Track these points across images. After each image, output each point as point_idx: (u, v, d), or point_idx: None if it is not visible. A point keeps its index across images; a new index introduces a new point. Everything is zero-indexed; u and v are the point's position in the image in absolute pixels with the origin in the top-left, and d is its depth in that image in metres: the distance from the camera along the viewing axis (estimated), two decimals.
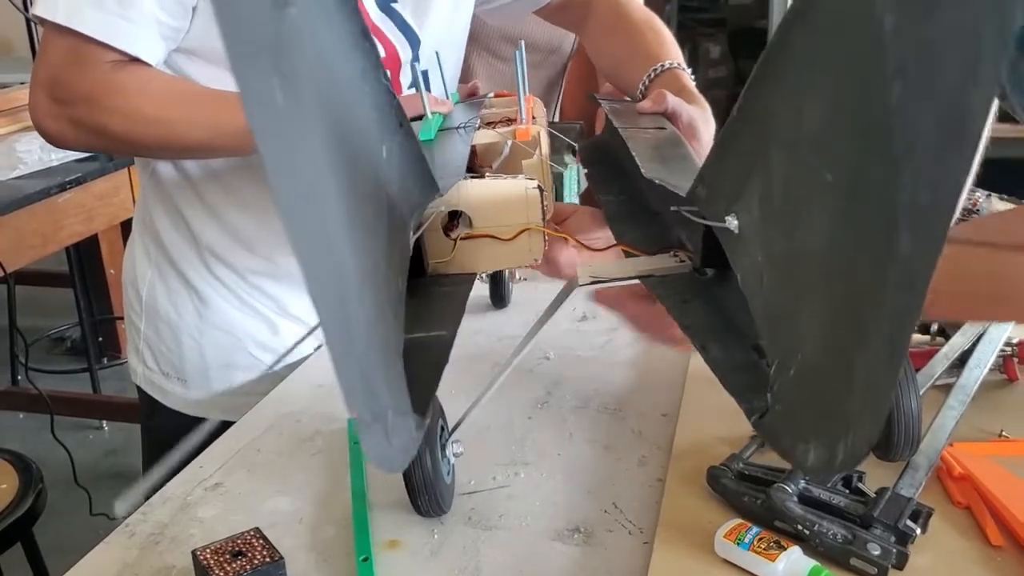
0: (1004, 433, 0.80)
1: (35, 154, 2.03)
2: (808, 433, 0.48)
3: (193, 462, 0.83)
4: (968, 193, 1.20)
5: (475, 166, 0.86)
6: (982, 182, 1.05)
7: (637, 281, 0.75)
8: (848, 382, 0.43)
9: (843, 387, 0.43)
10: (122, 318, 2.86)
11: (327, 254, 0.40)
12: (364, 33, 0.51)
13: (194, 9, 0.89)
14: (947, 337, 0.91)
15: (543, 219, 0.77)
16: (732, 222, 0.56)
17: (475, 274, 0.78)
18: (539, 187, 0.75)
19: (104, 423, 2.83)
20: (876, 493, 0.67)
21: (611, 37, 1.10)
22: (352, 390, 0.41)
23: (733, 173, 0.57)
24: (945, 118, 0.34)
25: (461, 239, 0.76)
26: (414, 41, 1.02)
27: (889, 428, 0.71)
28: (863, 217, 0.41)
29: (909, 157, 0.36)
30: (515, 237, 0.76)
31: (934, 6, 0.34)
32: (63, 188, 2.07)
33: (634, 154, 0.80)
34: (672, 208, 0.69)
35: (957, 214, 0.79)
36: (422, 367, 0.61)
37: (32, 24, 2.41)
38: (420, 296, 0.74)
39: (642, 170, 0.78)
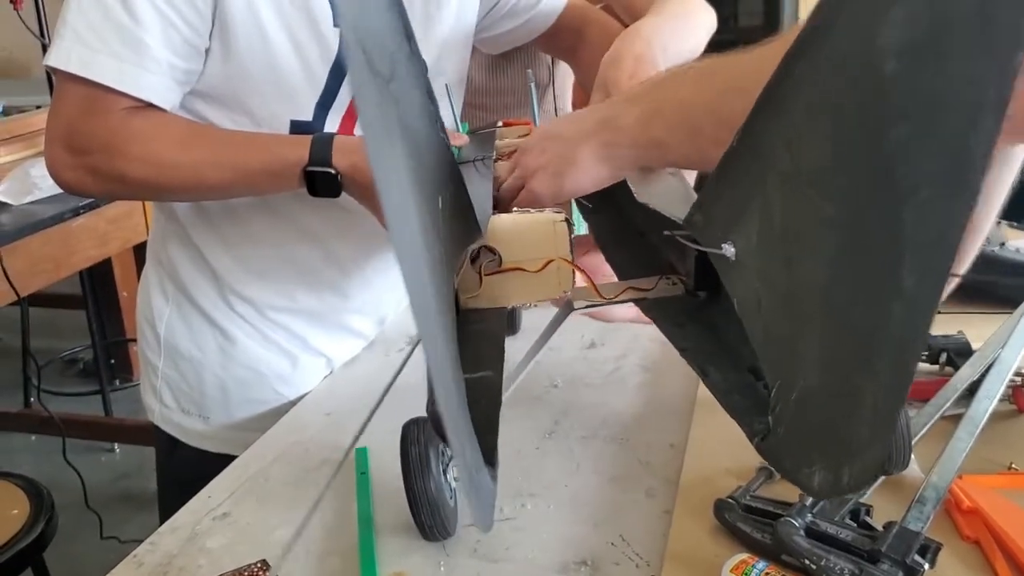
0: (1014, 465, 0.79)
1: (49, 179, 2.03)
2: (813, 456, 0.49)
3: (202, 491, 0.84)
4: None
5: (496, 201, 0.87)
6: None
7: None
8: (853, 408, 0.44)
9: (848, 413, 0.44)
10: (135, 340, 2.88)
11: (431, 307, 0.42)
12: (430, 95, 0.53)
13: (207, 51, 0.90)
14: (956, 367, 0.90)
15: (571, 252, 0.77)
16: (729, 249, 0.57)
17: (505, 309, 0.78)
18: (566, 220, 0.75)
19: (116, 446, 2.84)
20: (884, 527, 0.67)
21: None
22: (459, 451, 0.42)
23: (730, 201, 0.57)
24: (948, 161, 0.35)
25: (487, 274, 0.76)
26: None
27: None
28: (865, 250, 0.42)
29: (913, 196, 0.37)
30: (543, 269, 0.76)
31: (939, 57, 0.35)
32: (76, 213, 2.09)
33: (626, 178, 0.81)
34: (665, 233, 0.69)
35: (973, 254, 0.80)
36: (478, 412, 0.59)
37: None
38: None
39: (635, 194, 0.79)
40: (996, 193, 0.74)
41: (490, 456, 0.56)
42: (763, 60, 0.61)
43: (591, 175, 0.75)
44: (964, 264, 0.85)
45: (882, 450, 0.42)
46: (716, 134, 0.65)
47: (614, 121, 0.74)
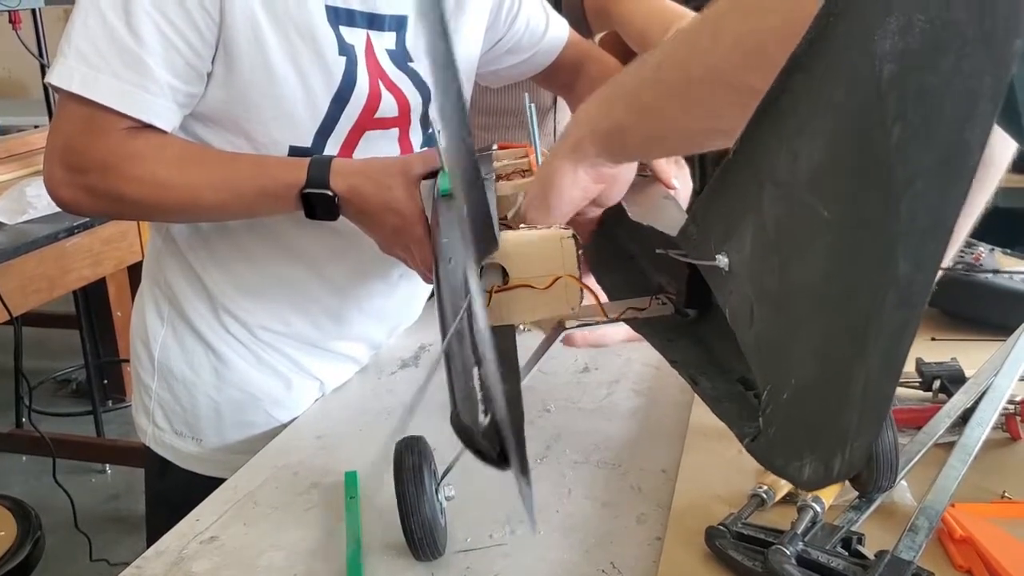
0: (1007, 494, 0.79)
1: (44, 199, 2.05)
2: (803, 450, 0.50)
3: (190, 515, 0.83)
4: (970, 247, 1.21)
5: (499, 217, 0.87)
6: (984, 234, 1.04)
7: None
8: (844, 398, 0.44)
9: (840, 402, 0.45)
10: (128, 360, 2.87)
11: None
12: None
13: (208, 75, 0.90)
14: (949, 395, 0.90)
15: (578, 268, 0.77)
16: (723, 260, 0.58)
17: (513, 326, 0.78)
18: (574, 236, 0.75)
19: (107, 467, 2.82)
20: (876, 556, 0.67)
21: None
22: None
23: (726, 213, 0.58)
24: (945, 152, 0.36)
25: (496, 291, 0.76)
26: (427, 97, 1.03)
27: (869, 462, 0.72)
28: (861, 246, 0.43)
29: (909, 189, 0.38)
30: (550, 286, 0.76)
31: (935, 57, 0.36)
32: (71, 232, 2.09)
33: (622, 200, 0.81)
34: (658, 251, 0.69)
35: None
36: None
37: (47, 68, 2.44)
38: None
39: (630, 214, 0.79)
40: (976, 200, 0.75)
41: (523, 466, 0.58)
42: (686, 36, 0.64)
43: (568, 182, 0.75)
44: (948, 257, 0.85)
45: (874, 432, 0.43)
46: (659, 104, 0.67)
47: (578, 123, 0.75)
